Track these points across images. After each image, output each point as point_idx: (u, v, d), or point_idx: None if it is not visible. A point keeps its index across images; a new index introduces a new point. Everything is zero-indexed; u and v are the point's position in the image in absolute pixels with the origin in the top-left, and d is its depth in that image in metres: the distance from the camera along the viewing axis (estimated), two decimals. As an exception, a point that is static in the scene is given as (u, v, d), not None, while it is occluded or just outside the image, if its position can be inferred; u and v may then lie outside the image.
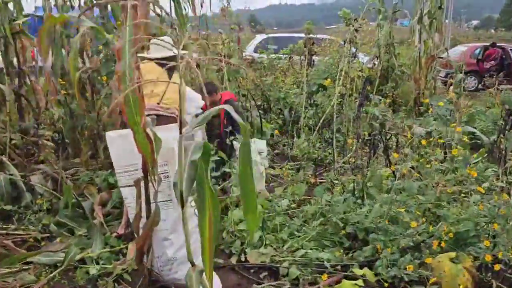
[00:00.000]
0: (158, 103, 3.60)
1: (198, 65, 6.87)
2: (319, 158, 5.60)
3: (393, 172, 3.48)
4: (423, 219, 2.94)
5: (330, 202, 3.29)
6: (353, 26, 4.89)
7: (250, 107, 5.92)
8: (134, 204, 2.53)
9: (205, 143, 1.55)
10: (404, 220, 2.92)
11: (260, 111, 6.86)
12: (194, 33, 7.92)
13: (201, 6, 8.09)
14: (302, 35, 12.46)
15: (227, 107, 1.57)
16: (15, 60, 5.33)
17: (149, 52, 3.81)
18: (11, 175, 3.96)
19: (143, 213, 2.52)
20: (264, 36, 13.76)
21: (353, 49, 5.57)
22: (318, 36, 11.53)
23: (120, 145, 2.61)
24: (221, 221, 3.52)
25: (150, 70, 3.78)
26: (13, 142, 4.56)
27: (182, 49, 5.27)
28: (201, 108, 4.98)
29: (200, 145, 1.53)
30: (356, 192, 3.59)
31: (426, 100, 7.61)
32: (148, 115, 3.55)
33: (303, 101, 6.78)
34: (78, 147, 4.80)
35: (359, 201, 3.38)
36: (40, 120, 5.37)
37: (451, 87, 10.22)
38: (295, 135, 6.66)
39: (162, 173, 2.49)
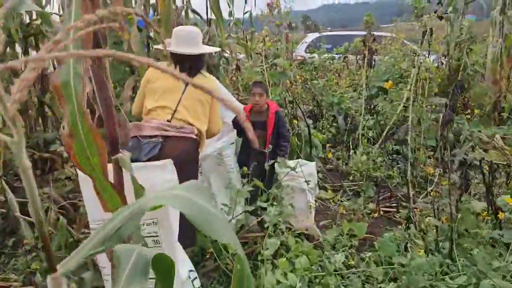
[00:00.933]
0: (168, 120, 2.75)
1: (238, 67, 6.04)
2: (381, 179, 4.58)
3: (496, 218, 2.43)
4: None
5: (406, 264, 2.29)
6: (435, 12, 3.81)
7: (297, 117, 4.98)
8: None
9: (157, 255, 0.67)
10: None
11: (310, 118, 5.92)
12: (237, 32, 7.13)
13: (246, 1, 7.31)
14: (358, 32, 11.38)
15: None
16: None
17: (169, 47, 2.94)
18: (6, 200, 3.30)
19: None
20: (316, 34, 12.71)
21: (426, 46, 4.49)
22: (376, 33, 10.41)
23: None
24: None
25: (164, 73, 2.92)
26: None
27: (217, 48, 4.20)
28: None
29: (146, 260, 0.64)
30: (441, 240, 2.58)
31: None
32: (153, 136, 2.74)
33: (361, 107, 5.75)
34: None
35: (447, 260, 2.36)
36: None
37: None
38: (351, 147, 5.65)
39: (150, 236, 1.64)
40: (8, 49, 4.37)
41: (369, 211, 3.47)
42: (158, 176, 1.57)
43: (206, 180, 3.27)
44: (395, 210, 4.03)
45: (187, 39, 2.86)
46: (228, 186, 3.01)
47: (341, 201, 3.40)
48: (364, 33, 6.79)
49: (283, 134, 3.80)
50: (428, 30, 3.88)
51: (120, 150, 1.48)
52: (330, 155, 4.59)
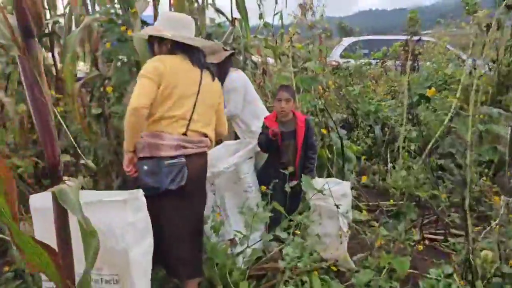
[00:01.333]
0: (184, 133, 2.31)
1: (265, 71, 5.59)
2: (424, 199, 3.98)
3: None
4: None
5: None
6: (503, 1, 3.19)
7: (329, 128, 4.45)
8: None
9: None
10: None
11: (344, 128, 5.39)
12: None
13: (276, 2, 6.87)
14: (397, 37, 10.70)
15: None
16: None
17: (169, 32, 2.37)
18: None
19: None
20: (353, 39, 12.09)
21: (479, 48, 3.88)
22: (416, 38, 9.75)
23: (45, 222, 1.34)
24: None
25: (186, 72, 2.37)
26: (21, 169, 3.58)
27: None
28: (265, 127, 3.60)
29: None
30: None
31: None
32: (174, 157, 2.24)
33: (403, 116, 5.15)
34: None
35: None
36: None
37: None
38: (389, 160, 5.07)
39: (109, 298, 1.18)
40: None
41: (413, 242, 2.91)
42: (118, 215, 1.11)
43: (220, 200, 2.81)
44: (443, 237, 3.46)
45: (190, 28, 2.45)
46: (243, 208, 2.53)
47: (379, 232, 2.84)
48: (403, 38, 6.17)
49: (312, 144, 3.34)
50: (494, 23, 3.22)
51: (65, 178, 1.03)
52: (365, 179, 4.03)
